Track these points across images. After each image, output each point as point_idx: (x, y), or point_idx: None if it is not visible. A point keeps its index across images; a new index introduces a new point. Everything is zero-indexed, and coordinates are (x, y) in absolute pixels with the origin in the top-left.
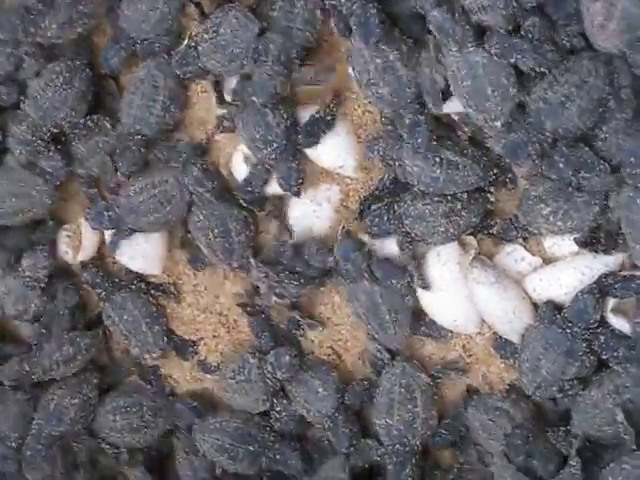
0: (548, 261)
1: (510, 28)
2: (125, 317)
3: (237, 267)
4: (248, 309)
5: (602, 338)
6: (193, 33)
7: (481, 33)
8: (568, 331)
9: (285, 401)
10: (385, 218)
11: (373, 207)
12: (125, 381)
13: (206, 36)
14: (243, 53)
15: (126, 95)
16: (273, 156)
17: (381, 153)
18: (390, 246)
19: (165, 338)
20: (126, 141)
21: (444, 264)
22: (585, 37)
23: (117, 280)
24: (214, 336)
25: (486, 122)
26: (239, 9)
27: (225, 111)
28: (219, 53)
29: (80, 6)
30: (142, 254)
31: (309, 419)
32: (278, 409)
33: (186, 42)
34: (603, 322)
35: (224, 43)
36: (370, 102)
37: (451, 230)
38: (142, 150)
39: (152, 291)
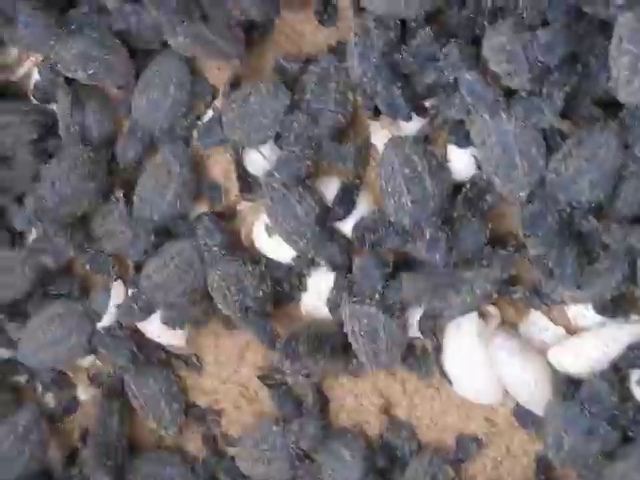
0: (573, 331)
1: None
2: (145, 392)
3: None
4: (268, 382)
5: (630, 413)
6: (219, 105)
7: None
8: (586, 411)
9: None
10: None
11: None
12: None
13: (234, 105)
14: (270, 124)
15: (141, 180)
16: (310, 246)
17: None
18: None
19: (184, 416)
20: (137, 227)
21: (465, 336)
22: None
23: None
24: (235, 407)
25: (511, 192)
26: (271, 80)
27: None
28: (246, 122)
29: None
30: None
31: None
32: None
33: (211, 114)
34: (629, 395)
35: (252, 112)
36: (389, 210)
37: (468, 300)
38: (152, 237)
39: (174, 362)
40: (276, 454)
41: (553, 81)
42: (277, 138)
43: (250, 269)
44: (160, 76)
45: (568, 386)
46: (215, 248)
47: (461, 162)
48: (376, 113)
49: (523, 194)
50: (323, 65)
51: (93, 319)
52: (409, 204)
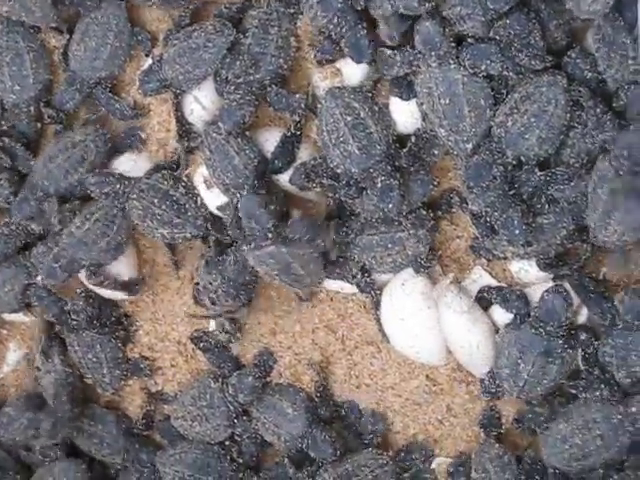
0: (516, 287)
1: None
2: (89, 356)
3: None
4: (202, 345)
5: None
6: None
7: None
8: (542, 331)
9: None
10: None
11: None
12: None
13: (175, 42)
14: (212, 59)
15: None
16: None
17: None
18: None
19: (121, 382)
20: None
21: (409, 294)
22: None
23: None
24: (172, 365)
25: (457, 144)
26: (217, 19)
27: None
28: (185, 57)
29: None
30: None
31: (278, 444)
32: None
33: (150, 61)
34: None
35: (194, 46)
36: (334, 162)
37: (399, 260)
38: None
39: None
40: (214, 411)
41: (503, 26)
42: (217, 81)
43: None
44: (99, 24)
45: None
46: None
47: (404, 114)
48: (320, 63)
49: (470, 145)
50: (266, 10)
51: (30, 272)
52: (356, 151)
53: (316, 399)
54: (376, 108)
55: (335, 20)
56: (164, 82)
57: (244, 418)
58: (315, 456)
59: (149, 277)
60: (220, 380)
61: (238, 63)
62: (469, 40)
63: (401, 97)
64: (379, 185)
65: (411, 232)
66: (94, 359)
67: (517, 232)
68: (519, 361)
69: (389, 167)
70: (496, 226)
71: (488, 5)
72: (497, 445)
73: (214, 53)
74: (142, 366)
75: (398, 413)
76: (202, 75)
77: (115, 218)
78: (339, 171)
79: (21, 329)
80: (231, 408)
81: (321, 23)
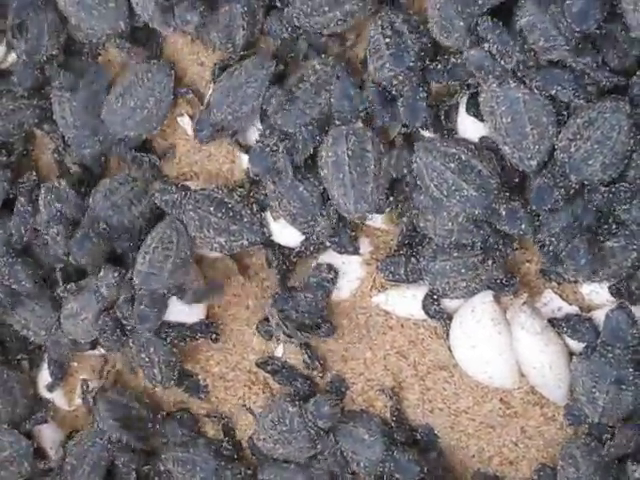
0: (587, 309)
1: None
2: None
3: None
4: (269, 368)
5: None
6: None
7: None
8: (611, 357)
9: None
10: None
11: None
12: None
13: (219, 84)
14: (256, 93)
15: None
16: (319, 229)
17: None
18: None
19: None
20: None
21: (479, 321)
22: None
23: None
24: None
25: (521, 161)
26: (257, 55)
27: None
28: (230, 96)
29: None
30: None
31: (358, 471)
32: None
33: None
34: None
35: (237, 84)
36: (453, 210)
37: (473, 285)
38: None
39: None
40: (295, 435)
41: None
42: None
43: None
44: (143, 86)
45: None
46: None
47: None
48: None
49: (534, 162)
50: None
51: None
52: (474, 193)
53: (392, 423)
54: (471, 146)
55: (401, 77)
56: (216, 126)
57: (326, 438)
58: (401, 478)
59: (218, 307)
60: (297, 403)
61: (283, 112)
62: (541, 62)
63: (476, 117)
64: (504, 213)
65: (484, 257)
66: (147, 359)
67: (583, 262)
68: (593, 389)
69: (506, 193)
70: (562, 256)
71: (574, 27)
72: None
73: (257, 87)
74: (200, 388)
75: (472, 436)
76: (249, 111)
77: (171, 239)
78: (460, 219)
79: (91, 361)
80: (312, 432)
81: (385, 75)
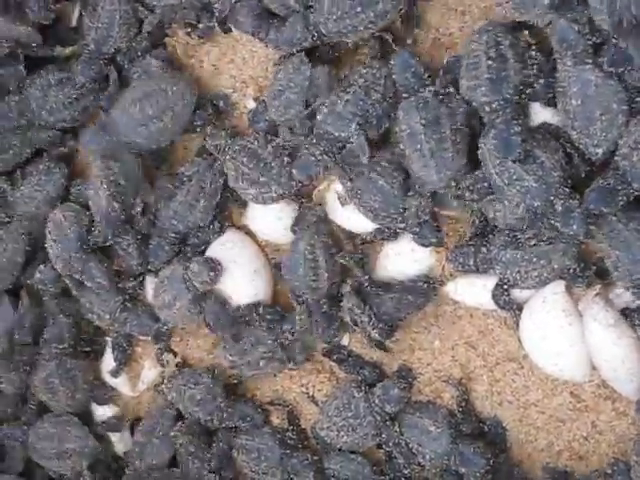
0: None
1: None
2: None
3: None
4: (335, 357)
5: None
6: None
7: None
8: None
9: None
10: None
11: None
12: None
13: (272, 84)
14: (298, 98)
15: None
16: (400, 220)
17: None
18: None
19: None
20: (161, 236)
21: (550, 311)
22: None
23: None
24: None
25: (587, 147)
26: (299, 55)
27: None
28: (277, 100)
29: None
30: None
31: (424, 463)
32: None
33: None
34: None
35: (281, 88)
36: (513, 200)
37: (545, 274)
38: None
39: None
40: (360, 421)
41: None
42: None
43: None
44: (165, 98)
45: None
46: None
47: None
48: None
49: (600, 150)
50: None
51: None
52: (534, 185)
53: (458, 415)
54: (538, 135)
55: (495, 105)
56: (272, 122)
57: (391, 426)
58: (467, 471)
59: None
60: (363, 389)
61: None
62: (613, 41)
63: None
64: (559, 209)
65: (557, 245)
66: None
67: None
68: None
69: (567, 189)
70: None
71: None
72: None
73: (298, 92)
74: None
75: (542, 430)
76: (296, 114)
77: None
78: (520, 210)
79: (156, 347)
80: (378, 418)
81: (478, 99)
